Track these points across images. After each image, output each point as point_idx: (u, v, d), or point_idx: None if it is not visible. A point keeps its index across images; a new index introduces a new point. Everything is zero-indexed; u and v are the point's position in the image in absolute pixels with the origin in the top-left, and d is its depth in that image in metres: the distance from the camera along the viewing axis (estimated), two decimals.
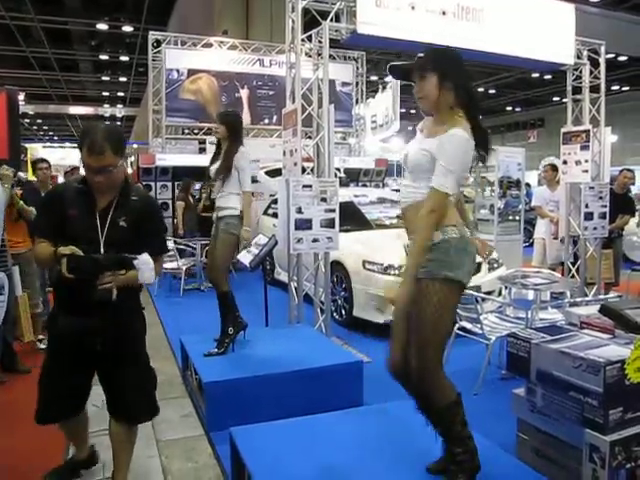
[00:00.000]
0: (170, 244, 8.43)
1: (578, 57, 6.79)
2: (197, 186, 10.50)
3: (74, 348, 2.52)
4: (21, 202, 4.92)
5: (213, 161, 4.51)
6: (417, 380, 2.34)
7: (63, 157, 21.43)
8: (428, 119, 2.50)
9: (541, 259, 7.52)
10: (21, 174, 6.20)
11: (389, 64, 2.54)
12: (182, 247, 8.73)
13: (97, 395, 4.20)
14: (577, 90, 7.06)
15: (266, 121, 13.18)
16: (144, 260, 2.38)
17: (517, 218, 8.54)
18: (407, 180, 2.49)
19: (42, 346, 5.09)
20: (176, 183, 10.95)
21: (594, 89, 7.02)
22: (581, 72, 6.94)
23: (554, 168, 7.53)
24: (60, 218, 2.46)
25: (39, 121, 35.18)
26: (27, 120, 32.46)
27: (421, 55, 2.43)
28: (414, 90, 2.43)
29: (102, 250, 2.42)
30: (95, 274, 2.31)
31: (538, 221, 7.82)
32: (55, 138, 41.15)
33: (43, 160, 6.06)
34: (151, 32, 12.65)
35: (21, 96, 17.14)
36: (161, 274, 2.68)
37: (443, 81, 2.34)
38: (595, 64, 6.98)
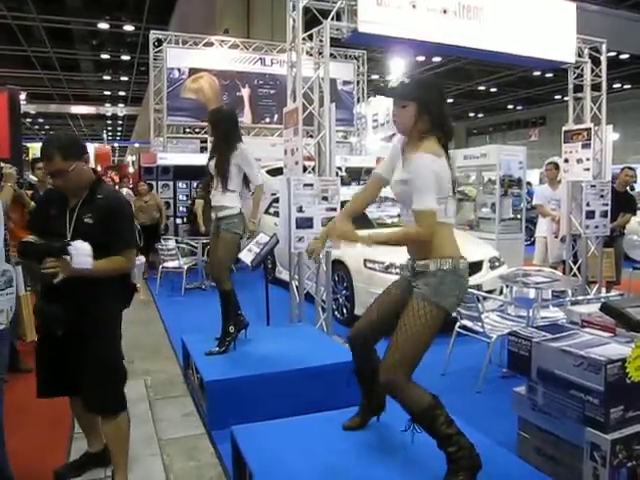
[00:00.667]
0: (172, 243, 8.46)
1: (579, 55, 6.79)
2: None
3: (45, 330, 2.76)
4: (32, 203, 4.93)
5: (211, 158, 4.47)
6: (388, 392, 2.47)
7: None
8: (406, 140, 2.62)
9: (542, 258, 7.51)
10: (32, 177, 6.17)
11: (376, 89, 2.61)
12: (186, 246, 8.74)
13: None
14: (578, 88, 7.06)
15: (267, 120, 13.19)
16: (76, 246, 2.50)
17: (518, 217, 8.54)
18: (401, 211, 2.67)
19: None
20: (177, 182, 10.97)
21: (595, 87, 7.02)
22: (582, 70, 6.94)
23: (557, 166, 7.52)
24: (47, 217, 2.74)
25: (41, 120, 35.20)
26: (29, 119, 32.47)
27: (403, 81, 2.53)
28: (392, 113, 2.57)
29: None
30: (38, 258, 2.51)
31: (539, 220, 7.81)
32: None
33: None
34: (152, 31, 12.66)
35: (23, 95, 17.14)
36: (132, 269, 2.76)
37: (421, 112, 2.46)
38: (596, 62, 6.98)
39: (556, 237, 7.33)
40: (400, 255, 2.70)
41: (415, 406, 2.43)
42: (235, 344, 4.31)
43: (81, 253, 2.48)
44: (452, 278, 2.46)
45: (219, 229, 4.34)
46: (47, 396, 2.85)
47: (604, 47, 6.97)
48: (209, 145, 12.33)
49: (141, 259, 2.83)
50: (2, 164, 5.03)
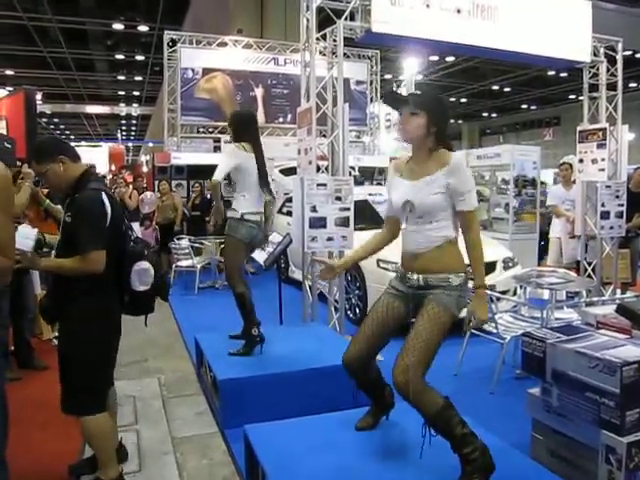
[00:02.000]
0: (185, 242, 8.50)
1: (595, 54, 6.73)
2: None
3: None
4: (47, 201, 4.97)
5: None
6: (404, 394, 2.43)
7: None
8: (401, 162, 2.75)
9: (556, 258, 7.46)
10: None
11: (385, 93, 2.64)
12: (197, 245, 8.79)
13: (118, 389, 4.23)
14: (594, 88, 6.99)
15: (280, 120, 13.21)
16: (19, 230, 2.64)
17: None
18: (414, 226, 2.60)
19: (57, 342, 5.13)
20: (191, 182, 11.01)
21: (611, 87, 6.95)
22: (598, 69, 6.88)
23: (571, 166, 7.49)
24: None
25: (56, 120, 35.49)
26: (44, 119, 32.75)
27: (416, 93, 2.65)
28: (400, 121, 2.59)
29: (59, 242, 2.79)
30: None
31: (554, 220, 7.75)
32: (72, 137, 41.56)
33: None
34: (166, 31, 12.74)
35: (38, 96, 17.31)
36: (95, 272, 2.62)
37: (431, 123, 2.52)
38: (612, 61, 6.91)
39: (572, 237, 7.27)
40: None
41: (430, 408, 2.42)
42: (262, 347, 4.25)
43: (22, 235, 2.59)
44: (466, 292, 2.57)
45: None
46: None
47: (620, 46, 6.90)
48: (222, 145, 12.45)
49: (141, 265, 2.77)
50: (18, 163, 5.08)
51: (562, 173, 7.64)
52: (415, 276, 2.59)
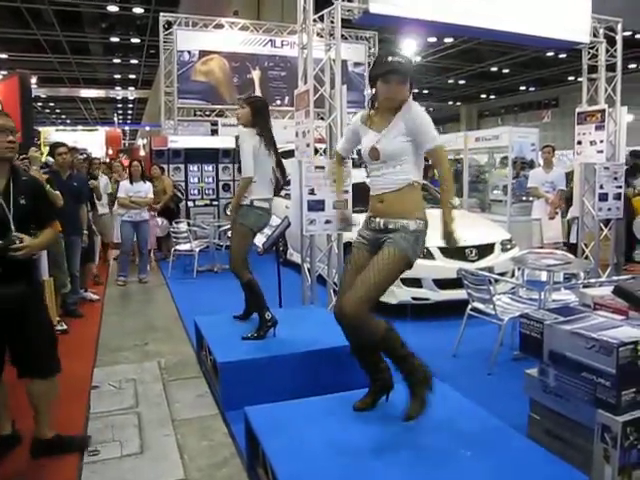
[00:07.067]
0: (183, 226, 8.51)
1: (594, 35, 6.69)
2: None
3: None
4: (47, 186, 4.93)
5: None
6: (349, 322, 2.75)
7: (76, 140, 21.43)
8: (367, 113, 3.02)
9: (538, 239, 7.56)
10: (50, 158, 6.09)
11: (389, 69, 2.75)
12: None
13: (114, 374, 4.26)
14: (593, 69, 6.96)
15: (278, 102, 13.11)
16: None
17: (530, 199, 8.50)
18: (379, 171, 2.84)
19: (59, 327, 5.14)
20: (189, 165, 10.93)
21: (610, 68, 6.92)
22: (597, 50, 6.84)
23: (553, 149, 7.82)
24: None
25: (51, 104, 35.21)
26: (39, 103, 32.48)
27: (399, 61, 2.76)
28: (390, 90, 2.77)
29: (13, 227, 2.69)
30: None
31: (535, 202, 7.82)
32: (68, 121, 41.32)
33: (62, 145, 5.92)
34: (162, 13, 12.59)
35: (33, 79, 17.13)
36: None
37: (411, 86, 2.84)
38: (612, 42, 6.87)
39: (550, 219, 7.37)
40: None
41: (376, 333, 2.73)
42: (275, 331, 4.24)
43: None
44: (423, 238, 2.80)
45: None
46: None
47: (620, 26, 6.85)
48: (220, 128, 12.38)
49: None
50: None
51: (544, 156, 7.76)
52: (377, 219, 2.84)
